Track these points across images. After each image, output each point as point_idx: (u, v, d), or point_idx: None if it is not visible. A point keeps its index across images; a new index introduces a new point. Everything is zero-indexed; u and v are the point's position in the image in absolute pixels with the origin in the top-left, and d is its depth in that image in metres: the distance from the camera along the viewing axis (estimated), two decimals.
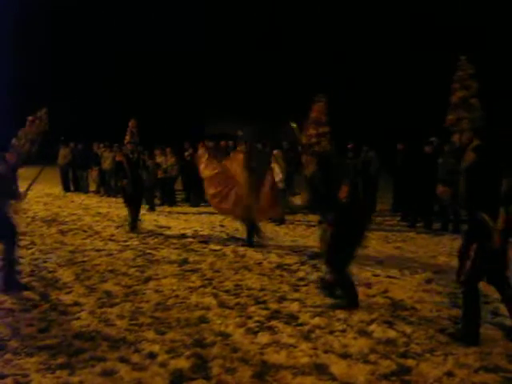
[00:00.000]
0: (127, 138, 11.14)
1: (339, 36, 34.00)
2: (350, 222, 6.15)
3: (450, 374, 4.50)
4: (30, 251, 9.23)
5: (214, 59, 38.07)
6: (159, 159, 16.20)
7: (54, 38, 39.65)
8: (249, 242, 9.86)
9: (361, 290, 6.90)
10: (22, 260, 8.50)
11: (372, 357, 4.83)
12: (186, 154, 16.46)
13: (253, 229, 9.95)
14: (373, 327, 5.57)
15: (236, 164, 9.88)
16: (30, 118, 7.66)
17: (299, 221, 12.98)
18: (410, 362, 4.72)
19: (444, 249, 9.78)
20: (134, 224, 11.18)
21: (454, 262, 8.54)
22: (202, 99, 38.04)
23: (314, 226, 11.98)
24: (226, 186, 9.73)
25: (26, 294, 6.73)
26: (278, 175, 12.00)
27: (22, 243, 9.74)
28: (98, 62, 39.87)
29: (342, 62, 34.18)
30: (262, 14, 37.18)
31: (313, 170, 6.56)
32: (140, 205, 11.41)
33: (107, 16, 39.50)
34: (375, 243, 10.27)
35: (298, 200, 7.90)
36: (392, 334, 5.40)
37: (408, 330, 5.51)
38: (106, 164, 18.03)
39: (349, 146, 14.63)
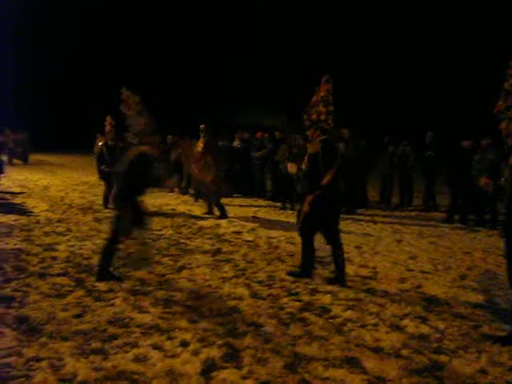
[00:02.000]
0: (107, 128, 12.94)
1: (377, 32, 33.74)
2: (324, 205, 6.74)
3: (483, 372, 4.44)
4: (65, 238, 9.37)
5: (246, 52, 37.98)
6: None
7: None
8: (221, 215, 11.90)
9: (394, 285, 6.88)
10: (58, 246, 8.65)
11: (404, 352, 4.80)
12: (220, 144, 16.53)
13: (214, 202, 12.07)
14: (405, 322, 5.52)
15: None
16: None
17: None
18: (443, 359, 4.67)
19: (479, 245, 9.66)
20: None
21: (490, 259, 8.51)
22: (234, 90, 38.02)
23: (347, 219, 11.94)
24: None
25: (62, 279, 6.83)
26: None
27: (58, 230, 9.94)
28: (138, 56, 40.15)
29: (381, 56, 33.87)
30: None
31: (316, 149, 6.84)
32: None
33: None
34: (409, 237, 10.19)
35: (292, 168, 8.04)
36: (425, 329, 5.35)
37: (441, 325, 5.46)
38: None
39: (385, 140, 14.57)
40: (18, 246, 8.60)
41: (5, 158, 23.73)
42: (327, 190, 6.64)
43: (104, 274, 6.85)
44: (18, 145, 26.72)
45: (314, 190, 6.72)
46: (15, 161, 26.82)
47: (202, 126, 12.44)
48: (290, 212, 13.03)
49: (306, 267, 7.28)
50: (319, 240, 7.16)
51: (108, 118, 12.80)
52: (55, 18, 40.54)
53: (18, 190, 16.14)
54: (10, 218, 11.07)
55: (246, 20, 38.16)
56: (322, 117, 6.82)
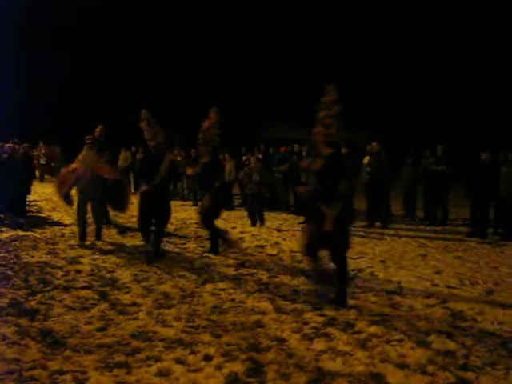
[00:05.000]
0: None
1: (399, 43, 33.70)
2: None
3: None
4: (90, 251, 9.44)
5: (270, 64, 38.03)
6: None
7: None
8: None
9: (419, 300, 6.80)
10: (82, 260, 8.71)
11: (430, 368, 4.72)
12: (244, 158, 16.58)
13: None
14: (431, 338, 5.44)
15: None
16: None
17: (356, 227, 12.86)
18: (470, 375, 4.59)
19: (506, 259, 9.53)
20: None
21: None
22: (259, 103, 38.00)
23: (371, 232, 11.88)
24: None
25: (86, 292, 6.87)
26: None
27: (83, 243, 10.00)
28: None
29: (405, 67, 33.79)
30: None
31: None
32: None
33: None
34: (435, 252, 10.09)
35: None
36: (451, 345, 5.27)
37: (468, 342, 5.38)
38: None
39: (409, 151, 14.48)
40: (43, 259, 8.69)
41: (36, 173, 22.54)
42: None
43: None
44: (50, 159, 23.86)
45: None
46: (46, 176, 24.43)
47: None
48: None
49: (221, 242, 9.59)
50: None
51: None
52: None
53: (44, 203, 16.29)
54: (35, 232, 11.20)
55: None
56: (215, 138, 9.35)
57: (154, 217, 9.00)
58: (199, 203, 9.64)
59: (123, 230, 11.73)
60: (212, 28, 39.92)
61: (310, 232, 6.78)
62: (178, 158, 17.09)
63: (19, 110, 33.90)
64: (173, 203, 10.94)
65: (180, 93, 38.19)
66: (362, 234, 12.02)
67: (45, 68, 38.78)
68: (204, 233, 11.51)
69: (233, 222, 13.54)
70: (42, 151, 23.68)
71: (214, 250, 9.55)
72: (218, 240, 9.69)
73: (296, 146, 15.77)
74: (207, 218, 9.49)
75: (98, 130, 10.36)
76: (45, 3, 38.05)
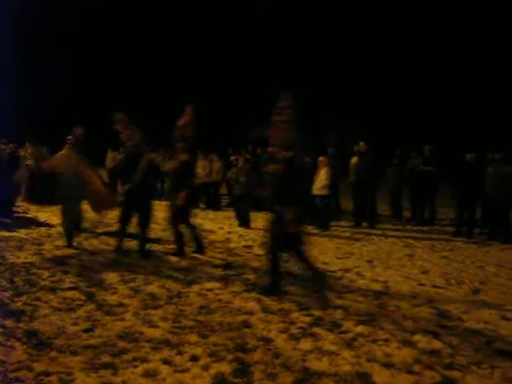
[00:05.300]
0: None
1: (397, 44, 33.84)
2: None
3: None
4: (76, 252, 9.39)
5: (258, 64, 38.03)
6: (201, 163, 16.29)
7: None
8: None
9: (406, 300, 6.83)
10: (68, 260, 8.67)
11: (416, 367, 4.74)
12: (232, 158, 16.57)
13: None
14: (417, 337, 5.47)
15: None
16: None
17: (344, 227, 12.90)
18: (455, 374, 4.61)
19: (492, 259, 9.59)
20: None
21: (503, 273, 8.44)
22: (245, 103, 37.96)
23: (358, 232, 11.92)
24: None
25: (72, 293, 6.83)
26: (323, 181, 11.96)
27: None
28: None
29: (394, 68, 33.91)
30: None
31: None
32: None
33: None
34: (421, 251, 10.14)
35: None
36: (437, 344, 5.30)
37: (454, 341, 5.40)
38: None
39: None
40: (29, 260, 8.62)
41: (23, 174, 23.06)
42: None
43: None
44: (37, 160, 25.36)
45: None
46: None
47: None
48: None
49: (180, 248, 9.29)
50: (333, 254, 7.12)
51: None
52: None
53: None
54: (21, 232, 11.13)
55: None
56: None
57: (137, 216, 9.06)
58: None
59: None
60: (205, 29, 40.00)
61: (273, 233, 6.98)
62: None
63: (19, 110, 33.63)
64: (161, 203, 10.95)
65: (180, 93, 38.18)
66: (348, 234, 12.06)
67: (44, 68, 38.70)
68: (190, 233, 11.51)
69: (220, 222, 13.55)
70: (29, 151, 23.67)
71: (200, 249, 9.50)
72: (202, 240, 9.68)
73: None
74: (175, 218, 9.35)
75: (79, 131, 10.22)
76: (45, 3, 37.93)
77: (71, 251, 9.37)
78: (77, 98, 38.33)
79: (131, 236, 9.50)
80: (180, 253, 9.26)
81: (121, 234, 9.32)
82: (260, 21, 38.32)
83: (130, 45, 39.82)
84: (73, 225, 10.12)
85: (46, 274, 7.79)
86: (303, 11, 37.74)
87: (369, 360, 4.89)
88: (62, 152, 10.13)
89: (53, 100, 38.09)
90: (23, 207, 15.04)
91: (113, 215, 12.19)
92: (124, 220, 9.20)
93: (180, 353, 4.99)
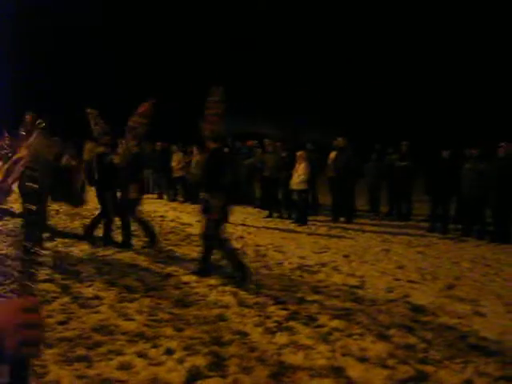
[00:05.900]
0: None
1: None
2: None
3: (469, 383, 4.42)
4: (52, 244, 9.31)
5: (238, 59, 38.10)
6: (176, 157, 16.40)
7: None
8: None
9: (381, 295, 6.87)
10: (44, 252, 8.60)
11: (390, 361, 4.77)
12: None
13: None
14: (392, 332, 5.51)
15: None
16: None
17: (321, 221, 12.94)
18: (429, 369, 4.65)
19: (467, 255, 9.67)
20: None
21: (477, 269, 8.52)
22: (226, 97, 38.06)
23: (336, 227, 11.97)
24: None
25: (47, 285, 6.78)
26: (301, 176, 11.99)
27: (45, 236, 9.85)
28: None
29: (373, 65, 34.10)
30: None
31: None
32: None
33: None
34: (397, 247, 10.20)
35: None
36: (411, 339, 5.34)
37: (428, 335, 5.45)
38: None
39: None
40: (3, 252, 8.54)
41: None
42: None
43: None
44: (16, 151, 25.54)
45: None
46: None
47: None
48: (278, 220, 13.06)
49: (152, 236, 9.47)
50: (310, 249, 7.14)
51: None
52: None
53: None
54: None
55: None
56: (140, 127, 9.28)
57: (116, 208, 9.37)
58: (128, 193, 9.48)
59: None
60: (205, 29, 40.14)
61: (206, 220, 7.44)
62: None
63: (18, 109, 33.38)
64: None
65: (179, 93, 38.12)
66: (326, 228, 12.10)
67: (44, 68, 38.36)
68: (167, 226, 11.50)
69: (198, 215, 13.50)
70: (7, 142, 23.55)
71: (152, 240, 9.52)
72: (153, 230, 9.76)
73: (266, 140, 15.66)
74: (124, 210, 9.48)
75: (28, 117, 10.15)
76: (45, 3, 37.52)
77: (47, 244, 9.28)
78: (77, 98, 38.15)
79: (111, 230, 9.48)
80: (152, 242, 9.44)
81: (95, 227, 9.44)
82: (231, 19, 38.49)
83: (130, 45, 39.70)
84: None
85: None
86: (289, 12, 37.93)
87: (344, 354, 4.91)
88: (31, 138, 10.02)
89: (53, 100, 37.78)
90: None
91: (89, 208, 12.13)
92: (102, 214, 9.37)
93: (155, 346, 4.97)
